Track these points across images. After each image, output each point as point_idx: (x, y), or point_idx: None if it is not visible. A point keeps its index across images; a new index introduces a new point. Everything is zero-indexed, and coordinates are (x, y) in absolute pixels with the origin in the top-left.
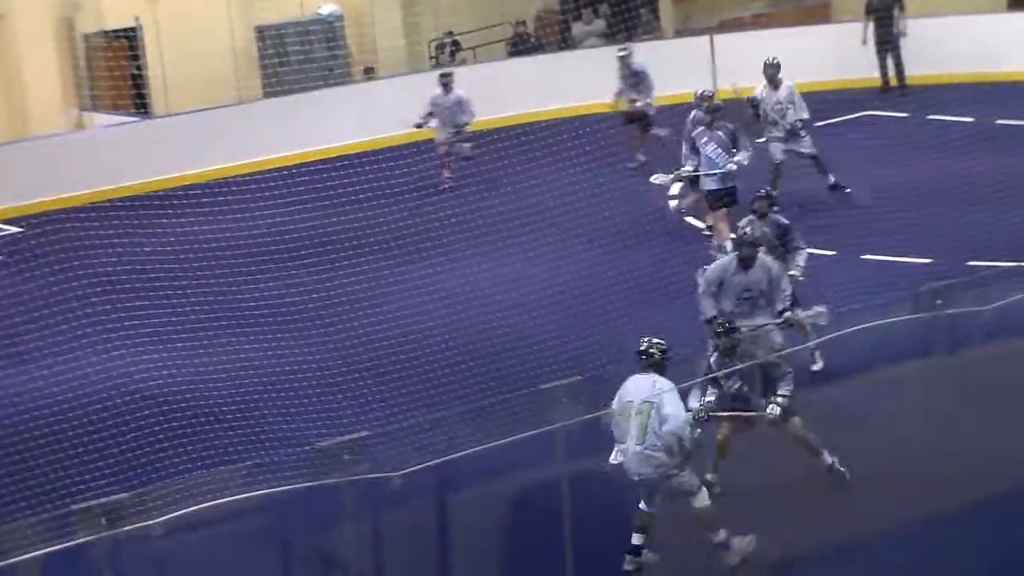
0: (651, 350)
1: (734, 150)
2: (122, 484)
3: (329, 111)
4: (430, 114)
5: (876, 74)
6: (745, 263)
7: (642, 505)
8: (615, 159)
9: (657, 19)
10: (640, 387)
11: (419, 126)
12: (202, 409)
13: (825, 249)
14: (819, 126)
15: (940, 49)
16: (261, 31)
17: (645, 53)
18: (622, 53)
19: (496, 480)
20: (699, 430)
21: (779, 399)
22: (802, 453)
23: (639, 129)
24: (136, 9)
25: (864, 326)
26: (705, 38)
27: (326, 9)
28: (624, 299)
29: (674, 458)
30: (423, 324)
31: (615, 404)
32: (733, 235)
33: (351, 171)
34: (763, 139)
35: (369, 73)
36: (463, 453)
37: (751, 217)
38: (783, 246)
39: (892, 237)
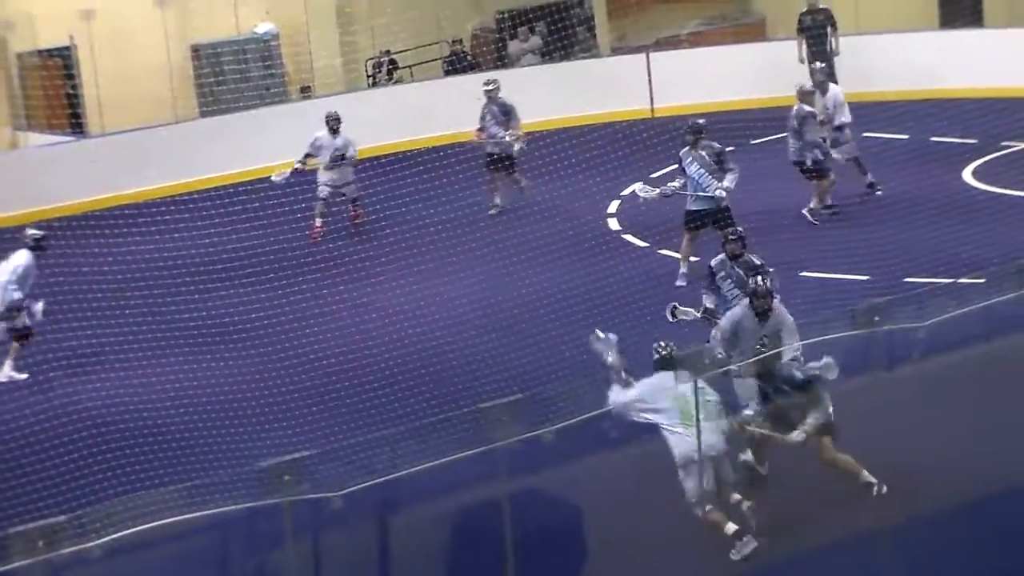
0: (667, 351)
1: (720, 171)
2: (60, 506)
3: (266, 130)
4: (308, 155)
5: None
6: (762, 315)
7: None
8: (553, 176)
9: (593, 37)
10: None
11: (295, 171)
12: (141, 430)
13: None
14: (755, 143)
15: (874, 67)
16: (197, 50)
17: (582, 71)
18: (489, 87)
19: (438, 500)
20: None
21: (806, 426)
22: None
23: (502, 171)
24: (70, 28)
25: (803, 343)
26: (642, 56)
27: (262, 28)
28: (563, 316)
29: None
30: (364, 344)
31: (653, 399)
32: (692, 259)
33: (288, 190)
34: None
35: (306, 92)
36: (405, 472)
37: (722, 257)
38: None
39: (829, 254)
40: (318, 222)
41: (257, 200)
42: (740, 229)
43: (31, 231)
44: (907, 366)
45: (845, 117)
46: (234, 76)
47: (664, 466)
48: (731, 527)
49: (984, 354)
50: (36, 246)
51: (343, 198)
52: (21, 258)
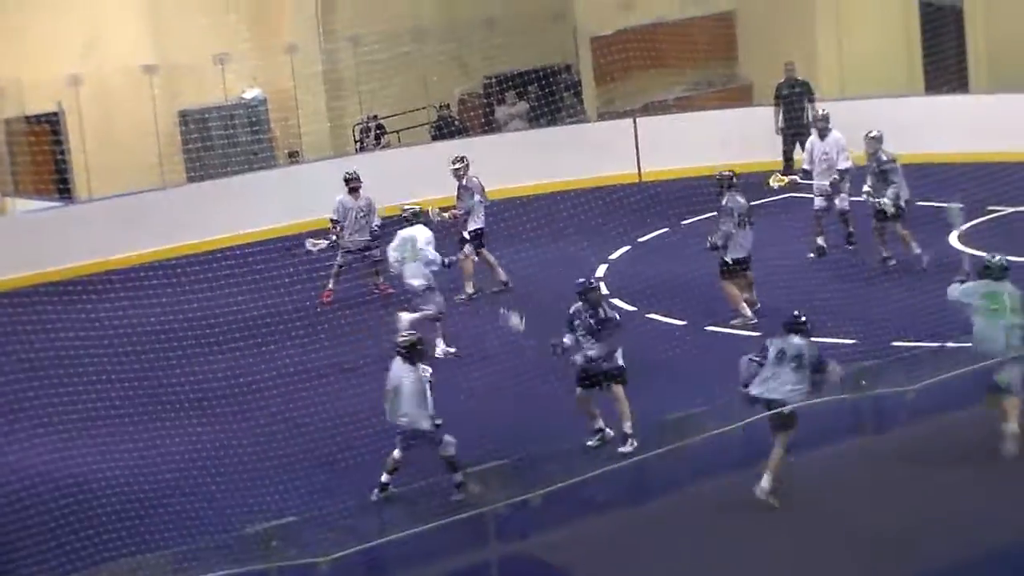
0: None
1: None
2: (47, 573)
3: (254, 195)
4: (335, 221)
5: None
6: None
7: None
8: (541, 240)
9: (581, 102)
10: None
11: (333, 243)
12: (127, 495)
13: (751, 330)
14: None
15: (859, 131)
16: (184, 115)
17: (569, 136)
18: (456, 166)
19: (425, 564)
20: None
21: None
22: None
23: (473, 249)
24: (58, 94)
25: (793, 406)
26: (629, 121)
27: (249, 93)
28: (555, 379)
29: None
30: (351, 408)
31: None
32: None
33: (277, 254)
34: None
35: (293, 157)
36: (392, 537)
37: (579, 305)
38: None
39: (818, 317)
40: (331, 284)
41: (246, 265)
42: (593, 281)
43: None
44: (896, 430)
45: (846, 163)
46: (222, 141)
47: (650, 530)
48: None
49: (972, 418)
50: None
51: (363, 262)
52: None
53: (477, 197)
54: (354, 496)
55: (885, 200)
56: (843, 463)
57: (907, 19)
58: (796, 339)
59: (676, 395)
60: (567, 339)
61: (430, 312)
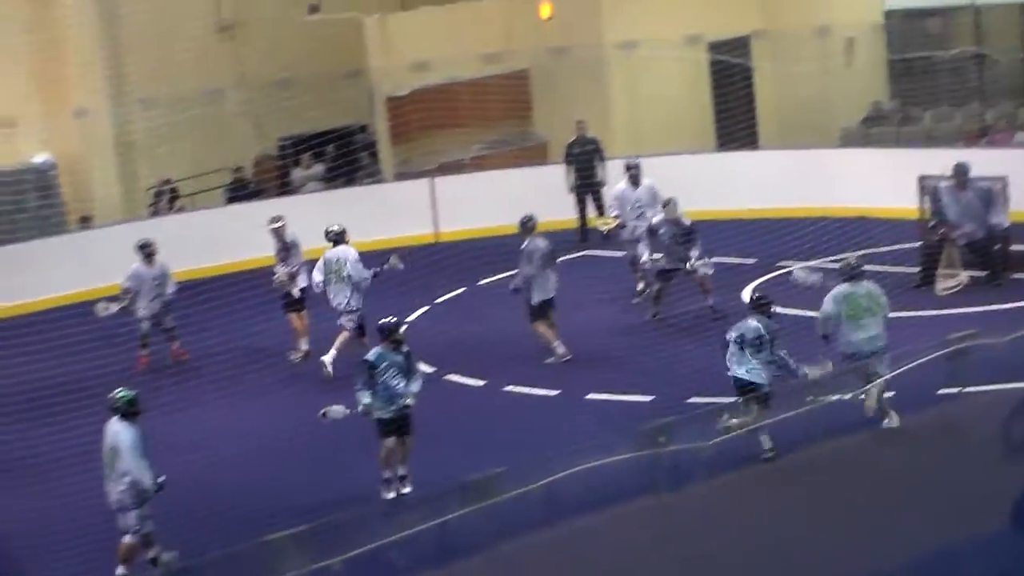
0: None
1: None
2: None
3: (44, 261)
4: (127, 290)
5: (596, 214)
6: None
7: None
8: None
9: (377, 162)
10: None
11: (124, 308)
12: None
13: (549, 389)
14: None
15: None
16: None
17: (366, 197)
18: (275, 225)
19: None
20: None
21: None
22: None
23: (293, 311)
24: None
25: (589, 465)
26: (425, 181)
27: (39, 157)
28: (353, 442)
29: None
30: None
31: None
32: None
33: (70, 321)
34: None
35: (86, 222)
36: None
37: (379, 350)
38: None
39: (614, 376)
40: (144, 352)
41: (37, 333)
42: (397, 320)
43: None
44: (693, 486)
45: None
46: (8, 207)
47: None
48: None
49: (769, 471)
50: None
51: (159, 327)
52: None
53: (301, 255)
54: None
55: (699, 263)
56: (638, 520)
57: (697, 77)
58: (752, 322)
59: (476, 455)
60: (365, 398)
61: (348, 331)
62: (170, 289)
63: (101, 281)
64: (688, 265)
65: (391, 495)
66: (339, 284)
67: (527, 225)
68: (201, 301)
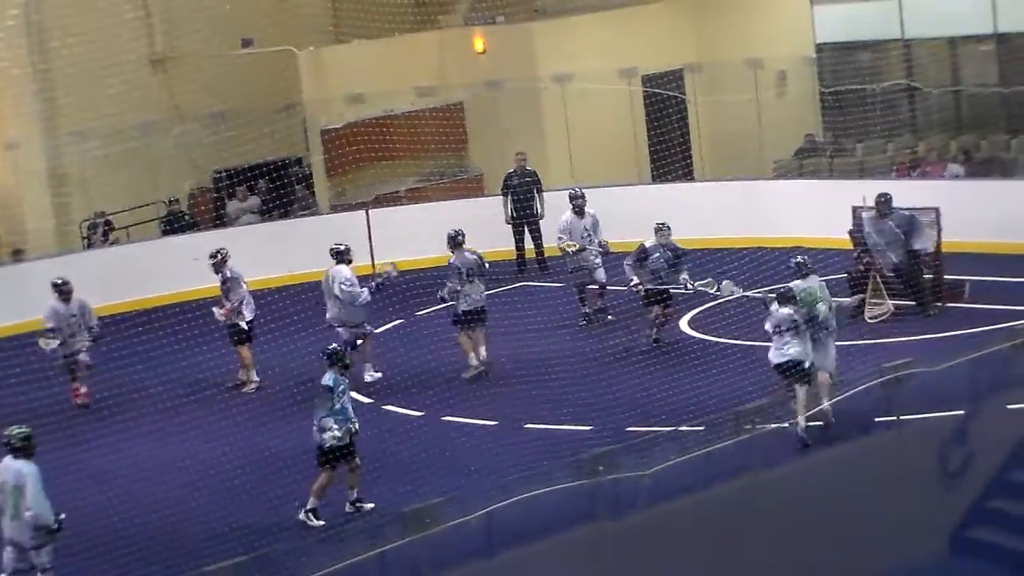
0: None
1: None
2: None
3: None
4: (51, 329)
5: (531, 245)
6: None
7: None
8: (276, 334)
9: (313, 195)
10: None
11: (54, 351)
12: None
13: (488, 419)
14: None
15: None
16: None
17: (302, 229)
18: (212, 261)
19: None
20: None
21: None
22: None
23: (242, 345)
24: None
25: (527, 495)
26: (361, 213)
27: None
28: (289, 475)
29: None
30: (80, 508)
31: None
32: None
33: (3, 355)
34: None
35: (18, 255)
36: None
37: (332, 373)
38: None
39: (553, 405)
40: (82, 389)
41: None
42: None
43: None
44: (633, 515)
45: (605, 244)
46: None
47: None
48: None
49: (705, 500)
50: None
51: (75, 364)
52: None
53: (244, 287)
54: None
55: (724, 285)
56: (578, 550)
57: (632, 110)
58: (784, 311)
59: (415, 485)
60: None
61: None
62: (93, 323)
63: (33, 314)
64: (689, 287)
65: (319, 524)
66: (331, 300)
67: (456, 239)
68: (137, 334)
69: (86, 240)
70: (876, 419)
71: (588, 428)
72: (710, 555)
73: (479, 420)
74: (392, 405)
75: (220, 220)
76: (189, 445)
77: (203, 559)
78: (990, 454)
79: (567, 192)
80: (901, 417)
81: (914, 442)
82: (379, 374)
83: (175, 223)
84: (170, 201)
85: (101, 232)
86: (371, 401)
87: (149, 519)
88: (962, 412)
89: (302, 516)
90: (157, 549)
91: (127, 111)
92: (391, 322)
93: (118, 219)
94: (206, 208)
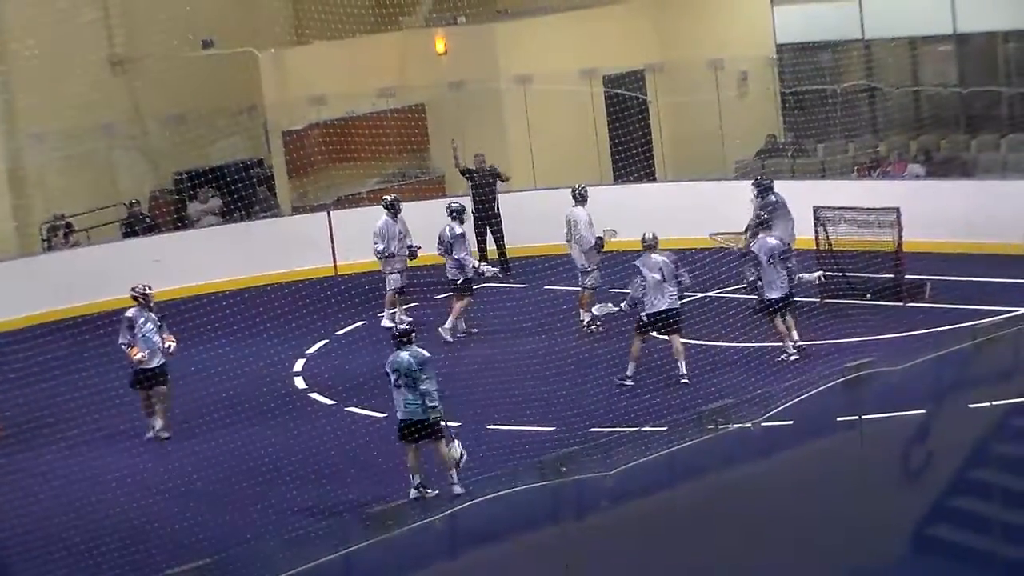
0: None
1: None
2: None
3: None
4: None
5: (494, 246)
6: None
7: None
8: (237, 336)
9: (274, 196)
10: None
11: None
12: None
13: (450, 420)
14: (439, 298)
15: (549, 220)
16: None
17: (264, 230)
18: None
19: None
20: None
21: None
22: None
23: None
24: None
25: (491, 496)
26: (323, 214)
27: None
28: (252, 477)
29: None
30: (42, 514)
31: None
32: None
33: None
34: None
35: None
36: None
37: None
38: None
39: (517, 406)
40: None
41: None
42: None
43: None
44: (596, 515)
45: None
46: None
47: None
48: None
49: (669, 500)
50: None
51: None
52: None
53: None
54: None
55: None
56: (541, 551)
57: (594, 110)
58: (771, 240)
59: (377, 487)
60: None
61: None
62: None
63: None
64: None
65: (433, 493)
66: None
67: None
68: (98, 336)
69: (46, 242)
70: (838, 419)
71: (551, 429)
72: (674, 555)
73: (442, 421)
74: (355, 407)
75: (181, 222)
76: (146, 454)
77: (168, 562)
78: (952, 453)
79: (527, 195)
80: (863, 417)
81: (876, 441)
82: None
83: (136, 225)
84: (131, 203)
85: (62, 234)
86: (334, 403)
87: (103, 529)
88: (924, 411)
89: (414, 494)
90: (117, 553)
91: (87, 113)
92: (354, 323)
93: (79, 221)
94: (167, 210)
